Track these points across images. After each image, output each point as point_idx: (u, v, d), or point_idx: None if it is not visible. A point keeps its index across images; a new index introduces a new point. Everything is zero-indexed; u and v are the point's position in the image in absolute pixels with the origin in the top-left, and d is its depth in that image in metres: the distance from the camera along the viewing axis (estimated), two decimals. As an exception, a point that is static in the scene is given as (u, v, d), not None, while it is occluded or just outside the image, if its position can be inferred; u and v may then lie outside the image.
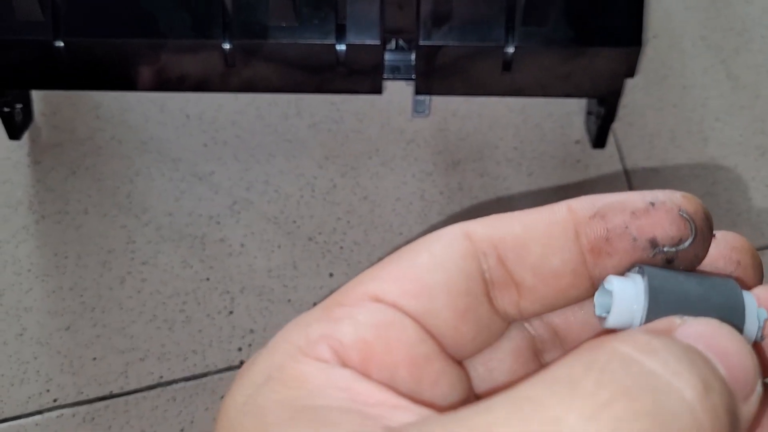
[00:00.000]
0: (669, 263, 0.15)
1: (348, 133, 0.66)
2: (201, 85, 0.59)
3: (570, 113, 0.66)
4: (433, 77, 0.58)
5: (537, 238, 0.16)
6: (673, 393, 0.12)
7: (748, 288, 0.16)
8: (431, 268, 0.15)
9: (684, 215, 0.15)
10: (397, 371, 0.15)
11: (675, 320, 0.14)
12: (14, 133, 0.63)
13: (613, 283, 0.15)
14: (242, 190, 0.64)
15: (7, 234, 0.63)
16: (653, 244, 0.15)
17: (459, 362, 0.16)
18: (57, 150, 0.66)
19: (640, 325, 0.15)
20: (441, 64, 0.56)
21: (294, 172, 0.64)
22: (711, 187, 0.64)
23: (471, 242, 0.16)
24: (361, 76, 0.57)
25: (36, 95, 0.66)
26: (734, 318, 0.14)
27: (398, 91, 0.66)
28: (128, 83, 0.59)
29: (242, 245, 0.63)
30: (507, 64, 0.56)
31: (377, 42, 0.55)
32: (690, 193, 0.16)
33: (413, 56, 0.58)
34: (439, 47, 0.55)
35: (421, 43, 0.55)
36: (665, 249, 0.15)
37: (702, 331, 0.14)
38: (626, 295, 0.15)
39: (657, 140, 0.66)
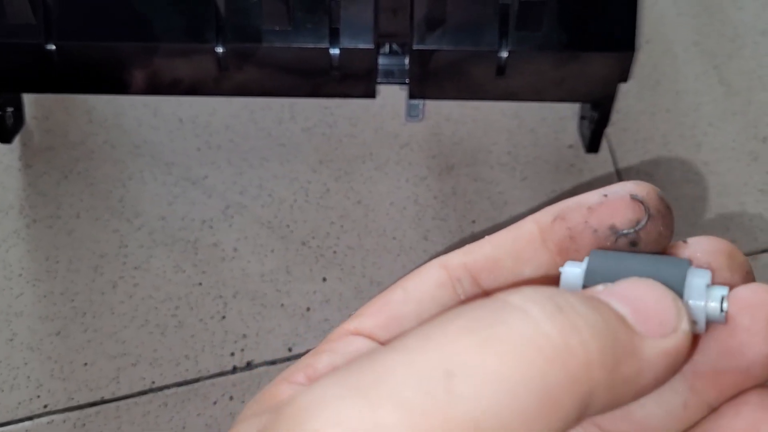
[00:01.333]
0: (635, 245, 0.16)
1: (342, 138, 0.66)
2: (194, 88, 0.59)
3: (563, 118, 0.66)
4: (427, 81, 0.57)
5: (506, 253, 0.17)
6: (517, 311, 0.13)
7: (725, 284, 0.16)
8: (403, 301, 0.17)
9: (637, 197, 0.16)
10: None
11: (598, 288, 0.15)
12: (5, 137, 0.63)
13: (565, 266, 0.16)
14: (235, 195, 0.64)
15: (-2, 238, 0.63)
16: (613, 230, 0.16)
17: None
18: (49, 154, 0.65)
19: None
20: (435, 68, 0.56)
21: (288, 176, 0.64)
22: (703, 192, 0.64)
23: (446, 271, 0.17)
24: (354, 80, 0.57)
25: (28, 99, 0.66)
26: (672, 286, 0.15)
27: (392, 96, 0.66)
28: (121, 87, 0.58)
29: (235, 250, 0.62)
30: (501, 69, 0.56)
31: (371, 46, 0.55)
32: (640, 180, 0.17)
33: (407, 60, 0.58)
34: (433, 51, 0.55)
35: (415, 47, 0.55)
36: (625, 232, 0.16)
37: (618, 289, 0.14)
38: (570, 275, 0.16)
39: (650, 145, 0.66)
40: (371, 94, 0.58)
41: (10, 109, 0.63)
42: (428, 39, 0.55)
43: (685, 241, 0.17)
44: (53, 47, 0.55)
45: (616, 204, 0.16)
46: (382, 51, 0.59)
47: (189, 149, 0.65)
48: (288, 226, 0.63)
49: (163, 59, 0.56)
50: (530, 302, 0.13)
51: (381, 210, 0.64)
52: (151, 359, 0.59)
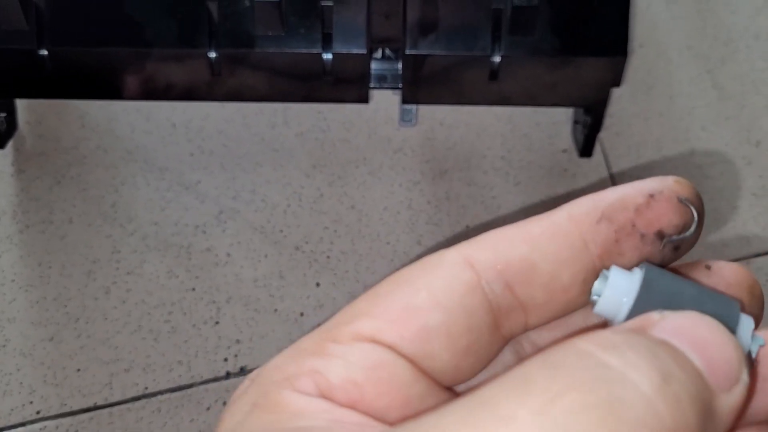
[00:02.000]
0: (677, 249, 0.15)
1: (335, 142, 0.66)
2: (187, 94, 0.58)
3: (557, 123, 0.66)
4: (420, 86, 0.57)
5: (544, 256, 0.15)
6: (627, 383, 0.12)
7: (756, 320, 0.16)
8: (430, 308, 0.15)
9: (684, 201, 0.15)
10: (389, 412, 0.15)
11: (654, 316, 0.14)
12: (-2, 142, 0.63)
13: (612, 271, 0.15)
14: (229, 200, 0.64)
15: (-9, 244, 0.63)
16: (660, 236, 0.15)
17: (450, 388, 0.16)
18: (42, 159, 0.65)
19: (626, 316, 0.15)
20: (427, 73, 0.56)
21: (281, 181, 0.64)
22: (697, 196, 0.64)
23: (473, 272, 0.15)
24: (347, 85, 0.57)
25: (21, 104, 0.65)
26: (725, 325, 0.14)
27: (385, 101, 0.66)
28: (114, 92, 0.58)
29: (228, 255, 0.62)
30: (494, 74, 0.56)
31: (363, 51, 0.55)
32: (678, 176, 0.16)
33: (400, 65, 0.58)
34: (426, 56, 0.55)
35: (408, 52, 0.55)
36: (674, 239, 0.15)
37: (680, 324, 0.13)
38: (619, 284, 0.15)
39: (643, 149, 0.66)
40: (364, 99, 0.58)
41: (2, 115, 0.62)
42: (421, 44, 0.55)
43: (708, 267, 0.16)
44: (46, 53, 0.55)
45: (664, 208, 0.15)
46: (375, 56, 0.59)
47: (182, 154, 0.65)
48: (281, 231, 0.63)
49: (156, 64, 0.56)
50: (635, 371, 0.12)
51: (374, 215, 0.63)
52: (144, 365, 0.59)
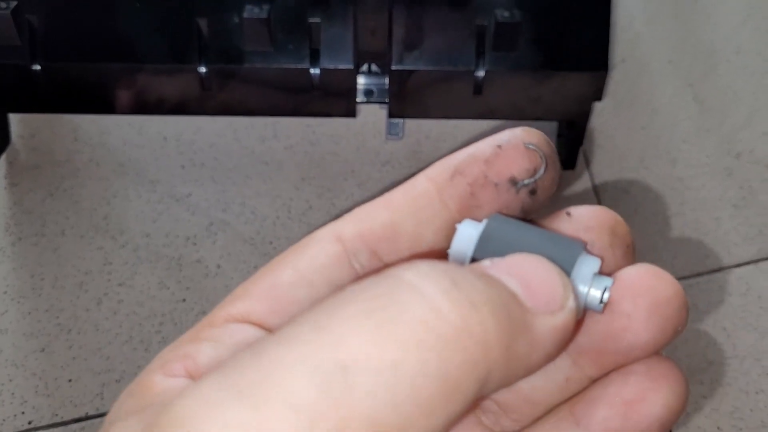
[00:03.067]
0: (533, 194, 0.16)
1: (324, 155, 0.67)
2: (178, 108, 0.59)
3: (541, 135, 0.67)
4: (406, 101, 0.59)
5: (404, 216, 0.16)
6: (413, 290, 0.12)
7: (615, 266, 0.16)
8: (295, 283, 0.15)
9: (531, 147, 0.16)
10: None
11: (485, 262, 0.14)
12: (-9, 156, 0.63)
13: (462, 224, 0.15)
14: (219, 212, 0.65)
15: (-16, 256, 0.63)
16: (513, 181, 0.16)
17: None
18: (35, 172, 0.66)
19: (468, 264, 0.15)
20: (413, 87, 0.58)
21: (270, 193, 0.65)
22: (679, 207, 0.66)
23: (341, 244, 0.16)
24: (335, 99, 0.58)
25: (14, 118, 0.66)
26: (561, 267, 0.14)
27: (372, 114, 0.67)
28: (106, 107, 0.59)
29: (219, 266, 0.63)
30: (478, 88, 0.57)
31: (350, 66, 0.56)
32: (527, 127, 0.16)
33: (386, 80, 0.59)
34: (411, 71, 0.57)
35: (394, 67, 0.56)
36: (525, 182, 0.16)
37: (504, 263, 0.14)
38: (464, 235, 0.15)
39: (626, 161, 0.67)
40: (352, 113, 0.59)
41: (-5, 129, 0.63)
42: (407, 59, 0.56)
43: (568, 213, 0.16)
44: (39, 68, 0.56)
45: (512, 154, 0.16)
46: (362, 71, 0.60)
47: (173, 167, 0.66)
48: (271, 242, 0.64)
49: (147, 79, 0.57)
50: (426, 279, 0.12)
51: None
52: (135, 375, 0.60)
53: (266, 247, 0.64)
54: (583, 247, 0.15)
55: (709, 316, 0.62)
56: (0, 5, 0.54)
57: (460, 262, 0.15)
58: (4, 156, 0.66)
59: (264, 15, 0.54)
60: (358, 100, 0.59)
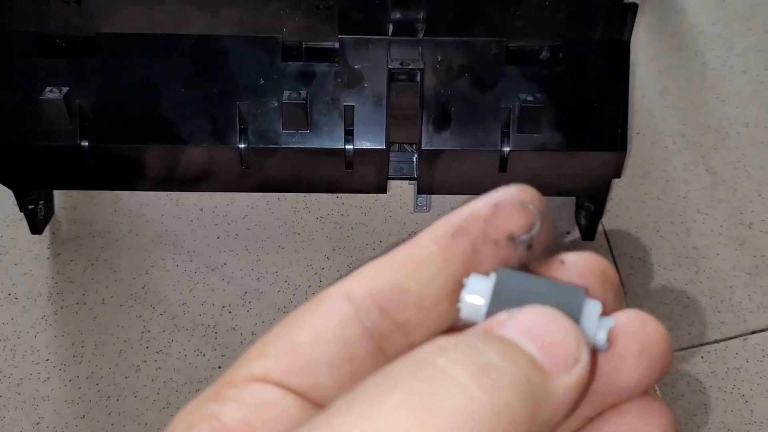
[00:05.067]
0: (530, 248, 0.17)
1: (353, 226, 0.70)
2: (218, 186, 0.62)
3: (560, 207, 0.70)
4: (435, 178, 0.62)
5: (410, 276, 0.16)
6: (447, 378, 0.13)
7: (607, 309, 0.17)
8: (312, 343, 0.16)
9: (525, 204, 0.17)
10: None
11: (501, 316, 0.15)
12: (36, 228, 0.66)
13: (470, 278, 0.16)
14: (253, 281, 0.67)
15: (27, 324, 0.66)
16: (511, 238, 0.17)
17: None
18: (76, 243, 0.69)
19: (484, 318, 0.16)
20: (442, 166, 0.61)
21: (302, 263, 0.68)
22: (694, 276, 0.68)
23: (351, 304, 0.16)
24: (367, 177, 0.61)
25: (57, 191, 0.70)
26: (570, 315, 0.15)
27: (399, 186, 0.70)
28: (149, 185, 0.62)
29: (253, 333, 0.66)
30: (503, 166, 0.60)
31: (383, 146, 0.59)
32: (521, 184, 0.17)
33: (416, 158, 0.62)
34: (441, 151, 0.60)
35: (424, 147, 0.60)
36: (523, 238, 0.17)
37: (521, 319, 0.15)
38: (476, 289, 0.16)
39: (642, 231, 0.70)
40: (383, 190, 0.62)
41: (41, 203, 0.66)
42: (435, 140, 0.60)
43: (562, 261, 0.17)
44: (87, 149, 0.59)
45: (509, 213, 0.17)
46: (392, 149, 0.64)
47: (209, 238, 0.69)
48: (303, 310, 0.66)
49: (189, 160, 0.60)
50: (457, 365, 0.13)
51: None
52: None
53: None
54: (585, 292, 0.16)
55: (727, 383, 0.64)
56: (53, 91, 0.58)
57: (475, 316, 0.16)
58: (47, 227, 0.69)
59: (301, 100, 0.58)
60: (388, 176, 0.62)
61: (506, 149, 0.60)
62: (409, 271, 0.16)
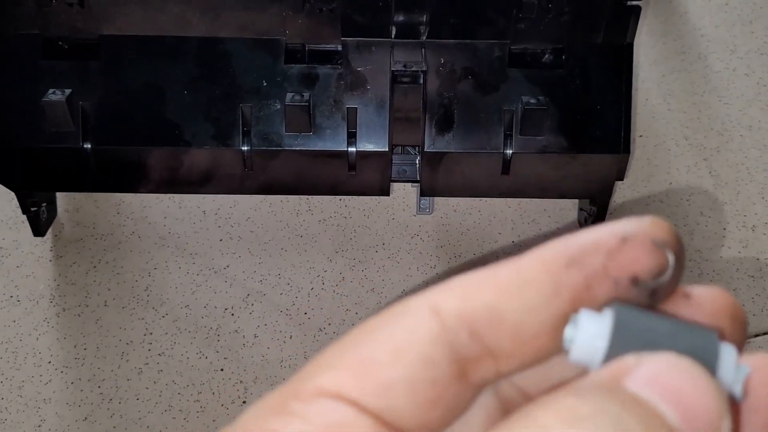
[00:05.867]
0: (654, 295, 0.14)
1: (356, 228, 0.70)
2: (221, 188, 0.62)
3: (563, 209, 0.70)
4: (438, 180, 0.62)
5: (511, 303, 0.15)
6: None
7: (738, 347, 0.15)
8: (392, 361, 0.14)
9: (659, 245, 0.14)
10: None
11: (629, 361, 0.13)
12: (39, 231, 0.66)
13: (581, 315, 0.14)
14: (256, 283, 0.67)
15: (29, 326, 0.66)
16: (634, 281, 0.14)
17: None
18: (79, 245, 0.69)
19: (602, 361, 0.14)
20: (444, 168, 0.61)
21: (305, 265, 0.68)
22: (698, 279, 0.68)
23: (439, 320, 0.15)
24: (370, 179, 0.61)
25: (60, 193, 0.70)
26: (705, 365, 0.14)
27: (401, 188, 0.70)
28: (152, 187, 0.62)
29: (255, 336, 0.66)
30: (506, 169, 0.60)
31: (386, 149, 0.59)
32: (654, 216, 0.15)
33: (418, 160, 0.62)
34: (444, 153, 0.60)
35: (427, 149, 0.60)
36: (649, 284, 0.14)
37: (655, 372, 0.13)
38: (591, 328, 0.14)
39: (646, 234, 0.70)
40: (386, 192, 0.62)
41: (44, 205, 0.66)
42: (438, 142, 0.60)
43: (687, 296, 0.15)
44: (89, 152, 0.59)
45: (638, 251, 0.14)
46: (395, 151, 0.64)
47: (212, 240, 0.69)
48: (305, 313, 0.66)
49: (192, 162, 0.60)
50: None
51: (394, 297, 0.67)
52: (174, 444, 0.62)
53: (301, 318, 0.66)
54: (717, 336, 0.14)
55: (731, 386, 0.64)
56: (56, 93, 0.58)
57: (591, 359, 0.14)
58: (50, 230, 0.69)
59: (304, 102, 0.58)
60: (391, 179, 0.62)
61: (509, 152, 0.60)
62: (511, 296, 0.15)
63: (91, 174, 0.60)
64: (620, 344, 0.14)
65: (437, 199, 0.70)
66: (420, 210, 0.68)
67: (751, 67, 0.77)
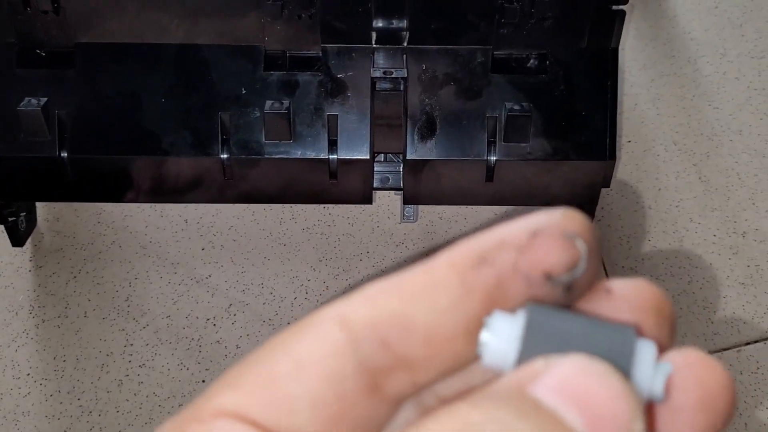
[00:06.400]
0: (569, 291, 0.14)
1: (340, 237, 0.69)
2: (201, 196, 0.62)
3: (551, 216, 0.69)
4: (421, 188, 0.61)
5: (419, 305, 0.14)
6: None
7: (661, 348, 0.14)
8: (294, 377, 0.14)
9: (571, 237, 0.14)
10: None
11: (538, 365, 0.13)
12: (18, 241, 0.65)
13: (493, 317, 0.14)
14: (238, 293, 0.66)
15: (8, 338, 0.65)
16: (547, 277, 0.14)
17: None
18: (58, 255, 0.68)
19: (514, 365, 0.13)
20: (427, 176, 0.60)
21: (288, 274, 0.67)
22: (687, 286, 0.67)
23: (346, 331, 0.14)
24: (352, 188, 0.60)
25: (40, 202, 0.69)
26: (620, 365, 0.13)
27: (386, 196, 0.69)
28: (131, 196, 0.61)
29: (238, 347, 0.65)
30: (489, 176, 0.59)
31: (367, 156, 0.59)
32: (566, 208, 0.14)
33: (401, 168, 0.61)
34: (426, 161, 0.59)
35: (409, 157, 0.59)
36: (562, 279, 0.13)
37: (562, 375, 0.12)
38: (502, 332, 0.13)
39: (634, 241, 0.69)
40: (368, 200, 0.61)
41: (23, 215, 0.65)
42: (421, 149, 0.59)
43: (608, 290, 0.14)
44: (66, 161, 0.58)
45: (549, 245, 0.14)
46: (377, 159, 0.63)
47: (194, 249, 0.68)
48: (289, 323, 0.65)
49: (171, 170, 0.60)
50: None
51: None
52: (155, 458, 0.61)
53: (285, 327, 0.65)
54: (635, 333, 0.13)
55: (720, 396, 0.63)
56: (31, 102, 0.57)
57: (502, 363, 0.14)
58: (29, 239, 0.68)
59: (284, 110, 0.57)
60: (374, 186, 0.61)
61: (493, 159, 0.59)
62: (419, 299, 0.14)
63: (69, 183, 0.59)
64: (532, 347, 0.13)
65: (422, 207, 0.69)
66: (404, 218, 0.67)
67: (741, 70, 0.76)
